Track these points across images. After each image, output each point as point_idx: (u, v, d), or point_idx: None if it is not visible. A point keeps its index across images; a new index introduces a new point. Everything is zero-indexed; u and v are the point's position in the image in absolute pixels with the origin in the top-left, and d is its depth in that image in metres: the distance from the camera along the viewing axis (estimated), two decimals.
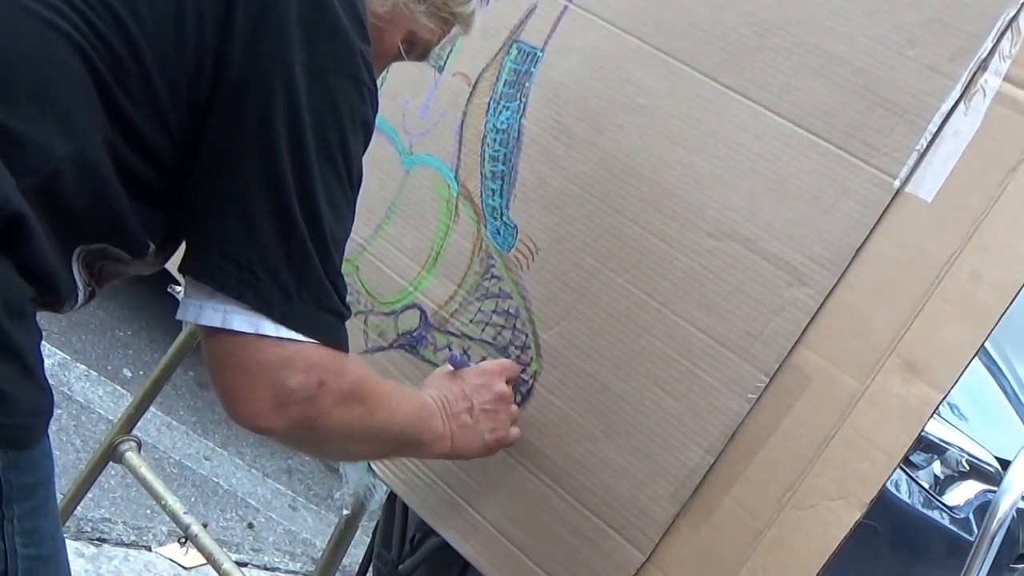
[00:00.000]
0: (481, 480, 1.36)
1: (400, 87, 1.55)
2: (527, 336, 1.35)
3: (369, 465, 1.46)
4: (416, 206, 1.48)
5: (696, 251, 1.25)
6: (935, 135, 1.14)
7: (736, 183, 1.24)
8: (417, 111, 1.52)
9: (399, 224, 1.49)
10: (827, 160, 1.19)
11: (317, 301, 0.98)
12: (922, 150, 1.15)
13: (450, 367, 1.29)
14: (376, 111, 1.03)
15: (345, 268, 1.47)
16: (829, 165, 1.19)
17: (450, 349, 1.40)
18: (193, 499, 2.81)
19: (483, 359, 1.37)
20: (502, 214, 1.40)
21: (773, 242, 1.20)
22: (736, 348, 1.20)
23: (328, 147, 0.97)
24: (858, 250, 1.16)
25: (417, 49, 1.18)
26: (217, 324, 0.96)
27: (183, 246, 1.03)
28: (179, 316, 0.99)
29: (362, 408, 1.07)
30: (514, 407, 1.30)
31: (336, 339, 1.01)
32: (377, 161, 1.52)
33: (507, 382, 1.29)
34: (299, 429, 1.02)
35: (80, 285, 0.99)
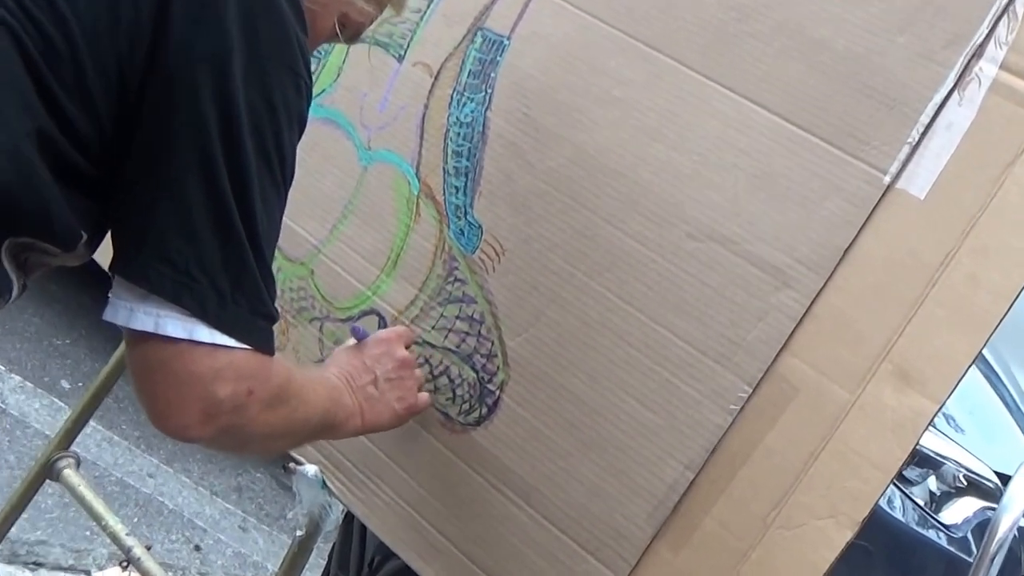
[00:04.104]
0: (444, 499, 1.34)
1: (358, 79, 1.53)
2: (493, 343, 1.33)
3: (324, 483, 1.44)
4: (374, 205, 1.46)
5: (675, 253, 1.22)
6: (927, 127, 1.12)
7: (717, 180, 1.22)
8: (376, 104, 1.50)
9: (356, 224, 1.47)
10: (813, 155, 1.17)
11: (251, 305, 0.99)
12: (914, 143, 1.12)
13: (353, 340, 1.32)
14: (310, 103, 1.05)
15: (299, 271, 1.50)
16: (815, 160, 1.17)
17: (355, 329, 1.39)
18: (136, 519, 2.79)
19: (447, 369, 1.34)
20: (466, 213, 1.38)
21: (757, 243, 1.18)
22: (718, 356, 1.18)
23: (263, 143, 0.97)
24: (846, 251, 1.14)
25: (348, 31, 1.19)
26: (149, 328, 0.95)
27: (108, 239, 1.01)
28: (106, 318, 0.98)
29: (286, 408, 1.09)
30: (418, 371, 1.34)
31: (268, 345, 1.02)
32: (333, 157, 1.51)
33: (406, 347, 1.33)
34: (224, 436, 1.03)
35: (13, 278, 0.96)
